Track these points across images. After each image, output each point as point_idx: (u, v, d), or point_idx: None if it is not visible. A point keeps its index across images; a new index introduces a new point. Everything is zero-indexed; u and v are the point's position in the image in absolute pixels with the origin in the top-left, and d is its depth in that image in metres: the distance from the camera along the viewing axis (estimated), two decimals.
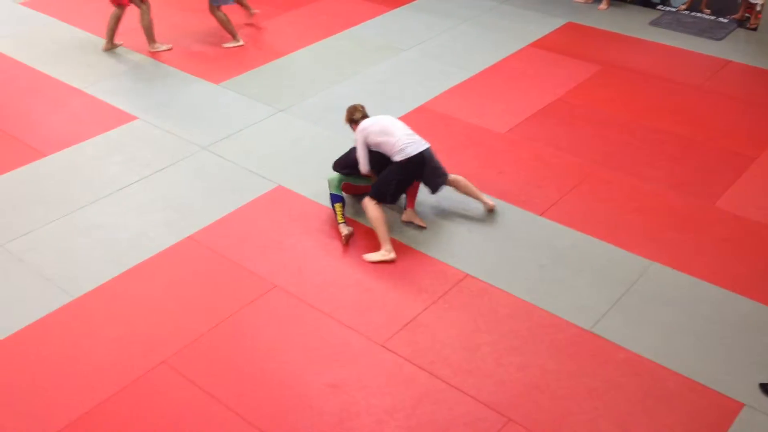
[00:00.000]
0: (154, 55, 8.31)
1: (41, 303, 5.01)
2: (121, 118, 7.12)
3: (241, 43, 8.53)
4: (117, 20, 8.24)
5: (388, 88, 7.56)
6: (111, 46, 8.38)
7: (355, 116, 5.74)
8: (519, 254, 5.37)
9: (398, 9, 9.37)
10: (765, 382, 4.33)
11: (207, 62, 8.16)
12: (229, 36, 8.56)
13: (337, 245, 5.50)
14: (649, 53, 8.25)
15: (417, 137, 5.54)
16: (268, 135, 6.84)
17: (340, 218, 5.58)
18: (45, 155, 6.56)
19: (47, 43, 8.67)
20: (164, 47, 8.40)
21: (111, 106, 7.32)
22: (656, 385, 4.37)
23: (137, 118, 7.11)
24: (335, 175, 5.75)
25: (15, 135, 6.87)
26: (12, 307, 4.98)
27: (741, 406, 4.24)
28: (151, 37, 8.36)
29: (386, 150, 5.47)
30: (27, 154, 6.58)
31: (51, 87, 7.72)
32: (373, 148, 5.52)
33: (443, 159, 6.31)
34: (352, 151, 5.65)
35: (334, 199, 5.65)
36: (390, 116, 5.72)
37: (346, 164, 5.68)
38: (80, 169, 6.40)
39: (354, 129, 5.72)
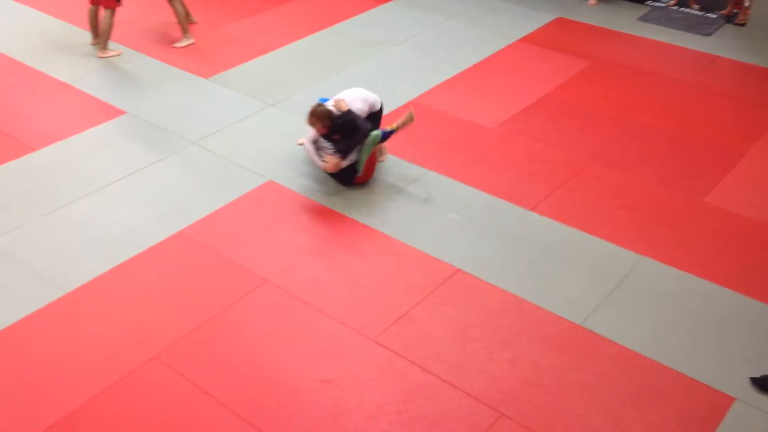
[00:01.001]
0: (106, 53, 8.10)
1: (31, 298, 4.97)
2: (110, 112, 7.07)
3: (192, 41, 8.38)
4: (95, 15, 8.10)
5: (377, 83, 7.53)
6: (98, 41, 8.30)
7: (328, 117, 5.79)
8: (510, 249, 5.38)
9: (387, 4, 9.36)
10: (755, 376, 4.36)
11: (196, 57, 8.12)
12: (180, 33, 8.42)
13: (327, 240, 5.50)
14: (638, 48, 8.28)
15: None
16: (257, 130, 6.81)
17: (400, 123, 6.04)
18: (34, 150, 6.51)
19: (35, 37, 8.59)
20: (113, 53, 8.13)
21: (100, 101, 7.27)
22: (647, 379, 4.39)
23: (126, 112, 7.07)
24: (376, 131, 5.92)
25: (3, 130, 6.81)
26: (1, 303, 4.94)
27: (732, 400, 4.26)
28: (104, 43, 8.07)
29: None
30: (16, 148, 6.53)
31: (39, 81, 7.66)
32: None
33: (433, 153, 6.34)
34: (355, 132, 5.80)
35: (387, 133, 5.99)
36: (346, 93, 6.07)
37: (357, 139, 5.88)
38: (69, 163, 6.35)
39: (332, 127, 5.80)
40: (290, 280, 5.12)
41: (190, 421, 4.18)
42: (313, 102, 6.35)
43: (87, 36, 8.38)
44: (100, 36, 8.04)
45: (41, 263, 5.28)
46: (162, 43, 8.40)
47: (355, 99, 6.00)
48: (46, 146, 6.56)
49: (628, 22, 8.88)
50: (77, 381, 4.41)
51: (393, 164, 6.21)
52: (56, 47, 8.33)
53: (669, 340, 4.65)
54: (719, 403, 4.25)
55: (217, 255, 5.34)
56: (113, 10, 7.94)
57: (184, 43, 8.34)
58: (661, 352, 4.56)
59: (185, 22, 8.36)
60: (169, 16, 8.72)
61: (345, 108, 5.84)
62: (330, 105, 5.91)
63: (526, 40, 8.45)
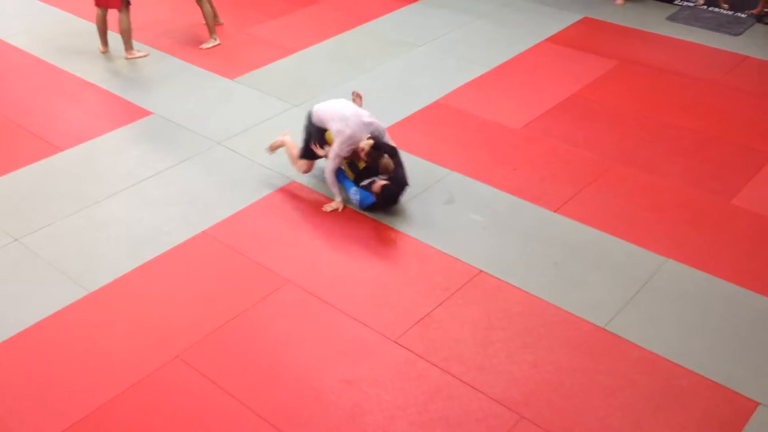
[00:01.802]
0: (129, 56, 8.16)
1: (57, 297, 5.04)
2: (137, 113, 7.15)
3: (218, 42, 8.42)
4: (103, 20, 8.10)
5: (403, 83, 7.55)
6: (107, 49, 8.32)
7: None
8: (533, 251, 5.35)
9: (413, 5, 9.35)
10: None
11: (222, 58, 8.18)
12: (207, 34, 8.46)
13: (350, 241, 5.51)
14: (666, 48, 8.20)
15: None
16: (282, 130, 6.83)
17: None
18: (61, 150, 6.60)
19: (62, 37, 8.71)
20: (141, 54, 8.20)
21: (126, 101, 7.35)
22: (670, 383, 4.34)
23: (152, 113, 7.14)
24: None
25: (31, 130, 6.92)
26: (28, 301, 5.02)
27: (756, 404, 4.20)
28: (128, 43, 8.11)
29: None
30: (43, 148, 6.62)
31: (67, 82, 7.76)
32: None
33: (457, 154, 6.33)
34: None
35: None
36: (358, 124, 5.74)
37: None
38: (96, 163, 6.43)
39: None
40: (313, 280, 5.14)
41: (212, 420, 4.21)
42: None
43: (114, 36, 8.39)
44: (122, 37, 8.07)
45: (67, 262, 5.34)
46: (188, 44, 8.47)
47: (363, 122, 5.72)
48: (73, 146, 6.64)
49: (656, 22, 8.79)
50: (100, 379, 4.46)
51: (416, 165, 6.20)
52: (83, 48, 8.43)
53: (693, 343, 4.60)
54: (743, 407, 4.19)
55: (240, 255, 5.37)
56: (125, 10, 7.93)
57: (211, 44, 8.40)
58: (684, 355, 4.51)
59: (213, 23, 8.42)
60: (195, 18, 8.80)
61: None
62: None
63: (553, 40, 8.40)
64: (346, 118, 5.64)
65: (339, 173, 5.82)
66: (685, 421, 4.12)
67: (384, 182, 5.59)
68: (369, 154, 5.55)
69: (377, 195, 5.61)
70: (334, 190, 5.77)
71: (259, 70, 7.87)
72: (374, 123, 5.74)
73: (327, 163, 5.75)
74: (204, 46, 8.38)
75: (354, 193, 5.74)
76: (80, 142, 6.69)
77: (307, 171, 6.03)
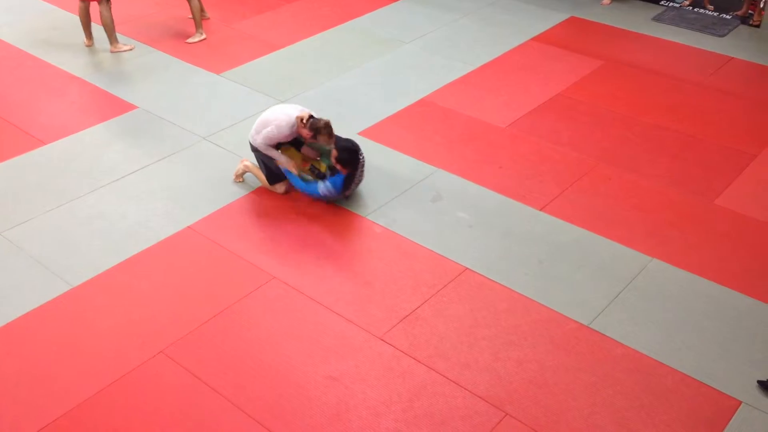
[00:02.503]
0: (119, 49, 8.10)
1: (40, 291, 5.00)
2: (122, 107, 7.10)
3: (204, 36, 8.37)
4: (86, 13, 8.02)
5: (389, 80, 7.54)
6: (92, 42, 8.26)
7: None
8: (518, 249, 5.37)
9: (400, 2, 9.35)
10: (763, 379, 4.33)
11: (208, 52, 8.14)
12: (194, 29, 8.40)
13: (336, 238, 5.50)
14: (651, 49, 8.24)
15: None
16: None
17: None
18: (45, 143, 6.55)
19: (47, 30, 8.64)
20: (126, 48, 8.14)
21: (111, 95, 7.30)
22: (654, 381, 4.37)
23: (137, 107, 7.10)
24: None
25: (15, 123, 6.86)
26: (10, 295, 4.98)
27: (738, 403, 4.24)
28: (112, 37, 8.05)
29: None
30: (26, 142, 6.57)
31: (51, 75, 7.70)
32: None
33: (443, 152, 6.33)
34: None
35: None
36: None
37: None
38: (80, 157, 6.38)
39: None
40: (298, 277, 5.13)
41: (196, 416, 4.19)
42: (326, 99, 6.35)
43: (99, 30, 8.34)
44: (105, 30, 8.01)
45: (50, 256, 5.30)
46: (174, 39, 8.43)
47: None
48: (57, 140, 6.59)
49: (642, 22, 8.83)
50: (83, 374, 4.43)
51: (402, 162, 6.21)
52: (69, 41, 8.37)
53: (676, 342, 4.63)
54: (726, 406, 4.22)
55: (225, 251, 5.35)
56: (106, 3, 7.85)
57: (197, 38, 8.36)
58: (668, 353, 4.54)
59: (199, 17, 8.38)
60: (181, 12, 8.76)
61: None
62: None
63: (539, 39, 8.42)
64: (274, 120, 5.70)
65: (307, 186, 5.78)
66: (669, 419, 4.15)
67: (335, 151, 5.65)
68: (308, 123, 5.61)
69: (338, 160, 5.60)
70: (273, 154, 5.74)
71: (246, 66, 7.85)
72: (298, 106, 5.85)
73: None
74: (190, 40, 8.34)
75: (325, 188, 5.68)
76: (64, 136, 6.64)
77: (288, 190, 5.93)
